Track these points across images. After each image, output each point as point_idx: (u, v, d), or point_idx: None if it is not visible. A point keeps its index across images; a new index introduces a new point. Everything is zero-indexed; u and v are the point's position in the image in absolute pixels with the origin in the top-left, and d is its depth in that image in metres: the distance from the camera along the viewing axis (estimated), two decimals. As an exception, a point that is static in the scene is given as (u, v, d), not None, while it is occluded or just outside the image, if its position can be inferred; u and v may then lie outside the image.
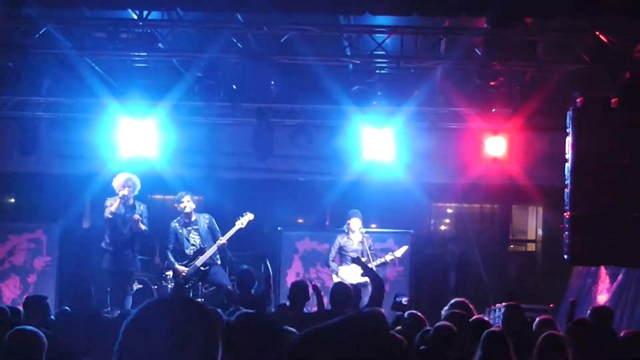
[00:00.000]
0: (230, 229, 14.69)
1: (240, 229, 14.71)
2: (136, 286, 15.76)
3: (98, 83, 15.36)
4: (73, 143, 16.96)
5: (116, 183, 14.56)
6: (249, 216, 14.81)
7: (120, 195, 14.49)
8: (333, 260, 15.45)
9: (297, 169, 17.41)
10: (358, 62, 14.47)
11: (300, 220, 19.38)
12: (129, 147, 16.12)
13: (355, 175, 16.39)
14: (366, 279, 14.36)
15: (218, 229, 14.77)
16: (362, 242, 15.17)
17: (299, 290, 11.32)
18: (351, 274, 15.00)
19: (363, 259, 14.51)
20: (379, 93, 15.28)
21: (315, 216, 18.60)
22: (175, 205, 14.89)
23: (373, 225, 15.91)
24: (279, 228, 17.34)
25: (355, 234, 15.24)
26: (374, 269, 14.41)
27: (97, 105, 16.06)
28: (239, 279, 12.53)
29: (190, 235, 14.73)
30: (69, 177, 17.30)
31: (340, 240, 15.39)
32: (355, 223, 15.20)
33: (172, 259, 14.72)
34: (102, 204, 14.79)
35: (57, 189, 17.53)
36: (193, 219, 14.77)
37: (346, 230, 15.35)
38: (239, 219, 14.77)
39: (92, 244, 16.88)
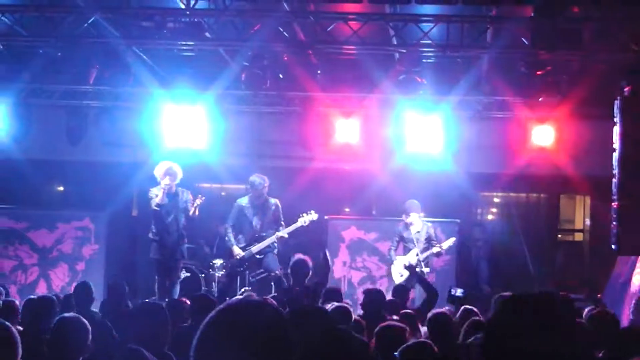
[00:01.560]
0: (292, 224, 14.84)
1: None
2: (183, 274, 15.98)
3: (145, 72, 15.68)
4: (120, 131, 17.14)
5: (158, 172, 14.68)
6: (313, 215, 14.99)
7: (162, 184, 14.61)
8: (395, 250, 15.60)
9: (343, 158, 17.52)
10: (404, 51, 14.67)
11: (346, 209, 19.55)
12: (175, 136, 16.44)
13: (401, 164, 16.57)
14: (421, 269, 14.67)
15: (282, 218, 14.89)
16: (419, 232, 15.32)
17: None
18: (403, 264, 15.20)
19: (416, 250, 14.94)
20: (425, 82, 15.31)
21: (362, 205, 18.74)
22: (250, 187, 14.97)
23: (421, 214, 15.91)
24: (325, 217, 17.50)
25: (415, 225, 15.30)
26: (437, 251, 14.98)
27: (144, 94, 16.37)
28: (294, 268, 12.33)
29: (255, 218, 14.87)
30: (117, 165, 17.74)
31: (400, 229, 15.51)
32: (414, 216, 15.27)
33: (232, 239, 14.86)
34: (148, 193, 14.96)
35: (104, 177, 17.92)
36: (261, 202, 14.88)
37: (405, 222, 15.39)
38: (303, 216, 14.95)
39: (139, 232, 17.29)
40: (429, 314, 8.98)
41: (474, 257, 18.05)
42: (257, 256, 14.85)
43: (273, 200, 15.02)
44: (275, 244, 14.92)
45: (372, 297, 10.36)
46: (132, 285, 13.79)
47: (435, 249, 15.20)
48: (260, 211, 14.92)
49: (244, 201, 15.04)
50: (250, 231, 14.93)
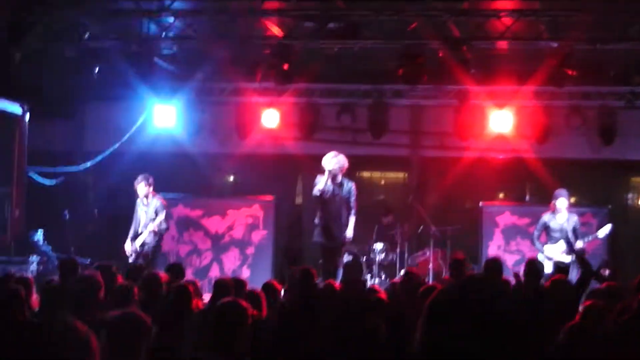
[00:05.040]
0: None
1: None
2: (346, 258, 16.99)
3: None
4: (285, 125, 18.49)
5: (325, 162, 15.34)
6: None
7: (330, 173, 15.24)
8: (538, 239, 15.91)
9: (497, 147, 18.38)
10: (555, 44, 15.42)
11: (501, 196, 20.28)
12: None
13: (553, 151, 17.42)
14: (571, 257, 15.19)
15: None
16: (567, 221, 15.60)
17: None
18: (556, 253, 15.60)
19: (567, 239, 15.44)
20: (575, 74, 15.92)
21: (516, 191, 19.55)
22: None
23: (571, 200, 16.43)
24: (480, 203, 18.37)
25: (562, 214, 15.62)
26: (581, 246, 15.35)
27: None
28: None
29: None
30: (283, 156, 19.05)
31: (546, 218, 15.77)
32: (561, 203, 15.55)
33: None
34: (313, 181, 15.71)
35: (271, 167, 19.28)
36: None
37: (552, 209, 15.69)
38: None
39: (304, 218, 18.62)
40: None
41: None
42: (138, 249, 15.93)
43: (159, 200, 16.22)
44: None
45: (534, 266, 11.13)
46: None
47: (579, 244, 15.40)
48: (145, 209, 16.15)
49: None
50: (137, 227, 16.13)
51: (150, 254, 15.92)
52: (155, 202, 16.01)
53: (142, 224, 15.98)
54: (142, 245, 15.89)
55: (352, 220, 15.44)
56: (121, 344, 5.67)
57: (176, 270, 11.84)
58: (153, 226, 15.77)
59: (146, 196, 16.01)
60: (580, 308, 8.72)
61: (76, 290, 8.18)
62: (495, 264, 11.87)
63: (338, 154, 15.42)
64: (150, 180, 16.05)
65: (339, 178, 15.39)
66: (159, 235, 15.94)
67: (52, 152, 19.11)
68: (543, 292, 10.19)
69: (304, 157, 18.08)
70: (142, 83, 16.80)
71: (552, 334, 6.86)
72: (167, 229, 16.28)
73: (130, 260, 15.72)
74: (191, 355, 6.20)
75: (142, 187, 15.98)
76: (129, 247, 15.96)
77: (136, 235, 15.99)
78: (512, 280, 12.64)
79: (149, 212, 15.95)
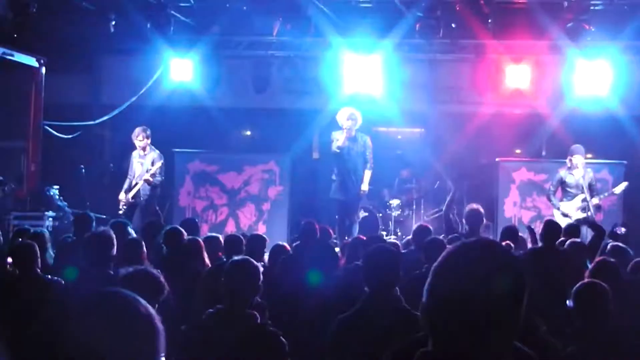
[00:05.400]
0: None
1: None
2: (362, 214, 17.15)
3: (325, 23, 16.94)
4: (302, 80, 18.56)
5: (340, 117, 15.54)
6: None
7: (344, 128, 15.47)
8: (554, 195, 15.99)
9: (514, 103, 18.35)
10: (573, -1, 15.37)
11: (517, 151, 20.33)
12: (353, 83, 17.64)
13: (570, 107, 17.33)
14: (587, 214, 15.26)
15: None
16: (583, 177, 15.64)
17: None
18: (572, 209, 15.68)
19: (582, 195, 15.47)
20: (593, 29, 15.92)
21: (532, 147, 19.48)
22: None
23: (588, 156, 16.28)
24: (496, 159, 18.37)
25: (578, 169, 15.64)
26: (597, 204, 15.40)
27: (324, 43, 17.66)
28: (468, 219, 12.63)
29: None
30: (299, 111, 19.06)
31: (562, 174, 15.86)
32: (578, 159, 15.60)
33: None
34: (329, 137, 15.93)
35: (287, 122, 19.28)
36: None
37: (568, 165, 15.76)
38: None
39: (320, 174, 18.66)
40: None
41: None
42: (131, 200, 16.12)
43: (156, 153, 16.35)
44: None
45: (552, 227, 10.88)
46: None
47: (594, 200, 15.53)
48: (140, 161, 16.33)
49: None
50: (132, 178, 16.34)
51: (145, 205, 16.07)
52: (153, 153, 16.17)
53: (137, 176, 16.13)
54: (135, 196, 16.04)
55: (368, 174, 15.64)
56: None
57: (189, 225, 11.87)
58: (148, 175, 15.90)
59: (143, 148, 16.16)
60: (590, 266, 8.85)
61: (89, 247, 8.28)
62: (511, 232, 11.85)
63: (352, 109, 15.55)
64: (148, 132, 16.16)
65: (354, 132, 15.52)
66: (153, 185, 16.05)
67: (68, 105, 19.09)
68: (559, 254, 10.24)
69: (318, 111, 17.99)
70: (158, 36, 16.89)
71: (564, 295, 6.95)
72: (162, 180, 16.35)
73: (121, 212, 15.86)
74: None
75: (140, 140, 16.10)
76: (122, 197, 16.10)
77: (130, 187, 16.13)
78: (528, 238, 12.77)
79: (145, 163, 16.10)
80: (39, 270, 8.34)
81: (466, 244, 2.87)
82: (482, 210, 12.30)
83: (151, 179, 15.84)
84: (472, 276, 2.71)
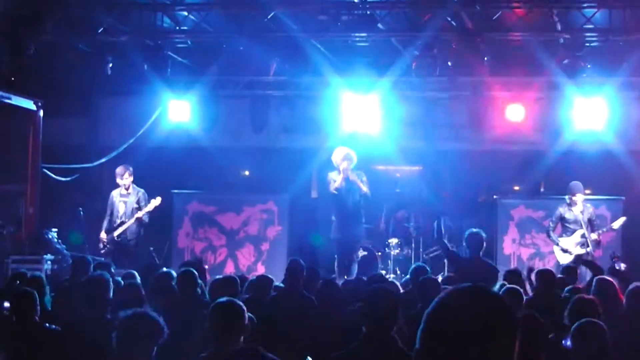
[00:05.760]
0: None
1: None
2: (361, 253, 17.09)
3: (322, 62, 16.97)
4: (300, 119, 18.55)
5: (335, 157, 15.77)
6: (157, 201, 16.22)
7: (341, 169, 15.65)
8: (554, 231, 16.08)
9: (511, 140, 18.34)
10: (568, 36, 15.44)
11: (516, 188, 20.32)
12: (351, 122, 17.67)
13: (567, 143, 17.37)
14: (587, 250, 15.27)
15: None
16: (582, 212, 15.78)
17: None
18: (571, 245, 15.78)
19: (581, 231, 15.47)
20: (589, 65, 16.00)
21: (530, 184, 19.50)
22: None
23: (587, 192, 16.52)
24: (494, 196, 18.41)
25: (577, 205, 15.80)
26: (596, 239, 15.35)
27: (322, 82, 17.72)
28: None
29: None
30: (297, 150, 19.06)
31: (561, 210, 15.97)
32: (578, 198, 15.80)
33: None
34: (326, 177, 16.07)
35: (285, 162, 19.18)
36: None
37: (568, 202, 15.90)
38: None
39: (319, 213, 18.61)
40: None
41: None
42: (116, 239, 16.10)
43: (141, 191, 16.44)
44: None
45: (546, 277, 10.97)
46: (313, 264, 14.32)
47: (593, 236, 15.62)
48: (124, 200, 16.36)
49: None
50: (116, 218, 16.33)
51: (134, 245, 16.14)
52: (137, 192, 16.26)
53: (120, 214, 16.17)
54: (122, 234, 16.07)
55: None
56: (131, 344, 5.80)
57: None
58: (141, 214, 16.00)
59: (127, 187, 16.25)
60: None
61: (85, 291, 8.28)
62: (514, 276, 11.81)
63: (347, 149, 15.78)
64: (131, 169, 16.31)
65: (349, 171, 15.68)
66: (143, 224, 16.14)
67: (66, 147, 19.16)
68: (556, 300, 10.22)
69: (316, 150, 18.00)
70: (156, 77, 16.93)
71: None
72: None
73: (102, 251, 15.95)
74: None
75: (126, 178, 16.23)
76: (104, 237, 16.14)
77: (113, 227, 16.15)
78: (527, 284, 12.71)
79: (129, 202, 16.18)
80: (37, 319, 8.30)
81: (458, 289, 2.83)
82: (483, 234, 12.36)
83: (143, 218, 15.90)
84: (464, 323, 2.69)
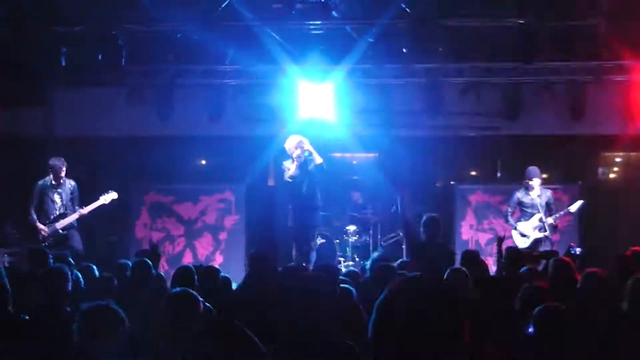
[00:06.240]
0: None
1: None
2: (319, 241, 17.25)
3: (278, 50, 16.91)
4: (256, 107, 18.52)
5: (288, 145, 15.93)
6: (113, 194, 16.27)
7: (294, 157, 15.80)
8: (512, 215, 16.34)
9: (468, 125, 18.49)
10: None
11: (473, 173, 20.55)
12: (307, 109, 17.70)
13: (523, 128, 17.58)
14: (544, 234, 15.46)
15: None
16: (540, 196, 16.01)
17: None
18: (529, 229, 16.05)
19: (539, 215, 15.72)
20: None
21: (487, 170, 19.76)
22: (50, 169, 16.10)
23: (544, 176, 16.71)
24: (452, 182, 18.54)
25: (535, 190, 16.01)
26: (552, 223, 15.51)
27: (278, 71, 17.64)
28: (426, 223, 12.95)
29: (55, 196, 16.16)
30: (254, 138, 18.84)
31: (519, 195, 16.22)
32: (535, 183, 16.01)
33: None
34: (281, 166, 16.22)
35: (242, 150, 19.10)
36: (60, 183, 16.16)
37: (525, 187, 16.11)
38: (103, 194, 16.25)
39: (276, 201, 18.66)
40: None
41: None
42: (61, 232, 15.98)
43: (72, 182, 16.27)
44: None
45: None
46: (271, 252, 14.52)
47: (549, 220, 15.85)
48: (58, 191, 16.12)
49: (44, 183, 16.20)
50: (53, 210, 16.09)
51: (75, 237, 16.03)
52: (70, 184, 16.11)
53: (58, 206, 16.00)
54: (66, 227, 15.95)
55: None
56: (92, 336, 5.83)
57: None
58: (86, 210, 15.93)
59: (61, 179, 16.05)
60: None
61: (43, 283, 8.28)
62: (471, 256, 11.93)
63: (299, 137, 15.93)
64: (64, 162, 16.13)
65: (303, 158, 15.77)
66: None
67: (21, 138, 18.97)
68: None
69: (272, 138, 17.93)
70: (112, 67, 16.79)
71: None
72: None
73: (46, 243, 15.67)
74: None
75: (64, 171, 16.01)
76: (46, 229, 15.92)
77: (54, 218, 15.94)
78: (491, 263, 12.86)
79: (64, 194, 16.03)
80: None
81: (406, 280, 2.98)
82: (439, 218, 12.73)
83: (85, 212, 15.89)
84: (412, 312, 2.81)
